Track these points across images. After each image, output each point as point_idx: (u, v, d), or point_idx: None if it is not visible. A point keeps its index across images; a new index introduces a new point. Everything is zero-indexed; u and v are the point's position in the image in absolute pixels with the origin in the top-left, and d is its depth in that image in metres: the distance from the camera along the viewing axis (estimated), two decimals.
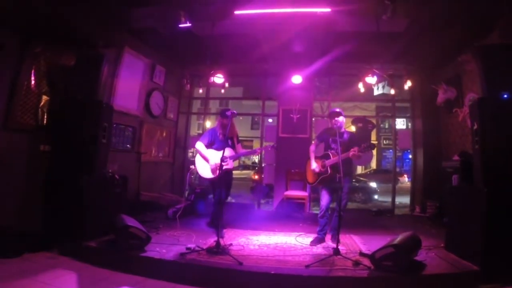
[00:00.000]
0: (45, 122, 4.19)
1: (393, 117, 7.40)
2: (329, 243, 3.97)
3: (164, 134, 6.70)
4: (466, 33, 4.37)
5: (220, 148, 4.17)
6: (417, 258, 3.26)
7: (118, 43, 5.11)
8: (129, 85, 5.42)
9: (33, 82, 4.03)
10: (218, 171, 3.80)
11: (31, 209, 3.85)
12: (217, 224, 3.78)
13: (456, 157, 4.80)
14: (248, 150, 4.81)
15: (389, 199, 7.26)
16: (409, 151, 7.39)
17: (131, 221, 3.51)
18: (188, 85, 6.92)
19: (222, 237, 3.83)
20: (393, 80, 6.28)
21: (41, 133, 4.11)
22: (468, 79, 5.07)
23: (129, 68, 5.38)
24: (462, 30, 4.32)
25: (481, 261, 3.04)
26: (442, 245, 3.76)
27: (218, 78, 6.39)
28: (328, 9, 4.27)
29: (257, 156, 5.79)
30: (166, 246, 3.60)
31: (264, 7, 4.44)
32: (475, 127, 3.40)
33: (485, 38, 4.23)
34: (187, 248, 3.48)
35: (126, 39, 5.27)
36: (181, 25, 4.57)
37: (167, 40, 5.48)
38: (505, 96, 3.32)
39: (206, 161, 4.28)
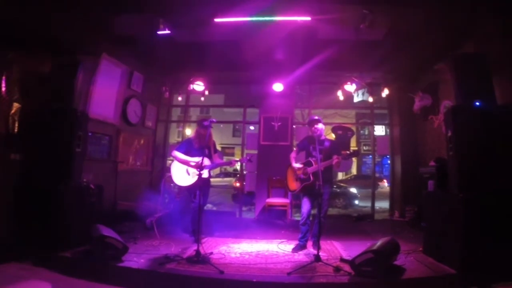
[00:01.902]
0: (16, 130, 4.03)
1: (372, 124, 7.57)
2: (310, 249, 3.97)
3: (142, 142, 6.56)
4: (442, 43, 4.54)
5: (196, 157, 4.16)
6: (397, 262, 3.31)
7: (95, 50, 5.00)
8: (105, 93, 5.30)
9: (3, 89, 3.89)
10: (199, 176, 3.74)
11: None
12: (197, 233, 3.71)
13: (432, 163, 4.92)
14: (225, 161, 4.75)
15: (369, 204, 7.36)
16: (388, 157, 7.55)
17: (107, 231, 3.44)
18: (167, 93, 6.83)
19: (202, 246, 3.75)
20: (372, 88, 6.43)
21: (11, 141, 3.95)
22: (444, 87, 5.24)
23: (106, 75, 5.26)
24: (438, 40, 4.49)
25: (458, 265, 3.11)
26: (420, 249, 3.83)
27: (198, 86, 6.34)
28: (308, 18, 4.33)
29: (238, 164, 5.78)
30: (145, 256, 3.55)
31: (244, 15, 4.45)
32: (449, 133, 3.50)
33: (461, 48, 4.41)
34: (166, 258, 3.44)
35: (104, 46, 5.17)
36: (160, 32, 4.52)
37: (146, 47, 5.40)
38: (478, 104, 3.43)
39: (186, 164, 4.22)
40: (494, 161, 3.26)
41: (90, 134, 4.76)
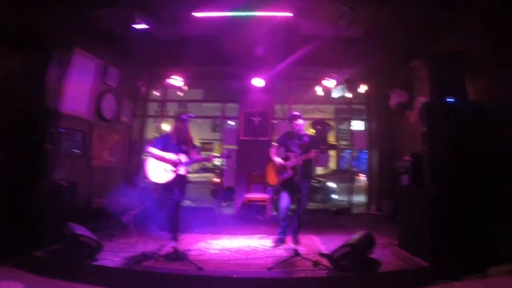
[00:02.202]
0: None
1: (350, 119, 7.69)
2: (290, 244, 3.99)
3: (118, 138, 6.36)
4: (418, 40, 4.64)
5: (174, 153, 4.04)
6: (373, 256, 3.38)
7: (68, 44, 4.78)
8: (79, 88, 5.08)
9: None
10: (173, 172, 3.66)
11: None
12: (175, 229, 3.64)
13: (407, 158, 5.04)
14: (203, 157, 4.69)
15: (347, 198, 7.50)
16: (365, 151, 7.71)
17: (80, 229, 3.38)
18: (144, 87, 6.63)
19: (180, 242, 3.68)
20: (350, 83, 6.51)
21: None
22: (419, 83, 5.35)
23: (80, 70, 5.04)
24: (415, 37, 4.58)
25: (431, 258, 3.21)
26: (396, 242, 3.93)
27: (176, 80, 6.19)
28: (289, 13, 4.30)
29: (216, 159, 5.68)
30: (121, 254, 3.49)
31: (224, 10, 4.36)
32: (424, 129, 3.59)
33: (437, 45, 4.51)
34: (143, 255, 3.39)
35: (78, 40, 4.95)
36: (137, 26, 4.36)
37: (122, 41, 5.23)
38: (451, 100, 3.54)
39: (163, 160, 4.12)
40: (466, 158, 3.38)
41: (63, 130, 4.61)
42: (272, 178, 4.20)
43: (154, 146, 4.20)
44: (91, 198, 5.16)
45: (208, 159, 4.94)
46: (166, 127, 8.43)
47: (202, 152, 4.54)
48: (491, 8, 3.59)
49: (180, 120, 4.09)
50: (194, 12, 4.36)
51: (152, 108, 7.90)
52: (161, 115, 8.09)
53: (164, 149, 4.18)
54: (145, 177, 4.28)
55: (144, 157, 7.45)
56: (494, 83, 3.60)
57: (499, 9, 3.58)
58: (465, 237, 3.24)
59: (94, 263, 3.23)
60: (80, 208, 4.54)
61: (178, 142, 4.10)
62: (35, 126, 3.74)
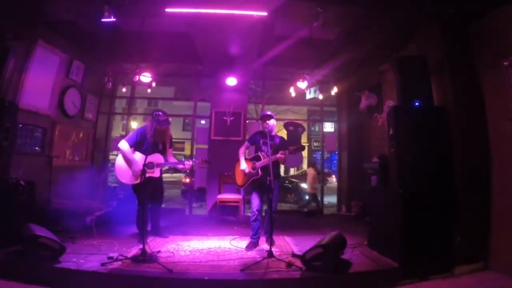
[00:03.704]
0: None
1: (322, 121, 7.82)
2: (263, 245, 3.96)
3: (81, 135, 6.03)
4: (387, 44, 4.77)
5: (149, 151, 3.85)
6: (344, 256, 3.43)
7: (30, 36, 4.48)
8: (40, 82, 4.76)
9: None
10: (140, 178, 3.46)
11: None
12: (143, 231, 3.49)
13: (375, 159, 5.20)
14: (177, 160, 4.37)
15: (319, 199, 7.62)
16: (336, 153, 7.88)
17: (40, 231, 3.22)
18: (110, 83, 6.32)
19: (148, 244, 3.54)
20: (322, 85, 6.60)
21: None
22: (387, 87, 5.54)
23: (42, 63, 4.73)
24: (384, 41, 4.70)
25: (399, 258, 3.30)
26: (365, 242, 4.02)
27: (145, 77, 5.97)
28: (264, 13, 4.27)
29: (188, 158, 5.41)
30: (85, 256, 3.32)
31: (198, 6, 4.25)
32: (391, 132, 3.70)
33: (404, 49, 4.67)
34: (109, 257, 3.25)
35: (40, 31, 4.64)
36: (104, 20, 4.12)
37: (88, 34, 4.98)
38: (417, 104, 3.67)
39: (129, 165, 3.91)
40: (431, 160, 3.51)
41: (20, 125, 4.37)
42: (239, 179, 4.15)
43: (127, 140, 4.01)
44: (51, 199, 4.83)
45: (183, 165, 4.16)
46: (134, 125, 8.12)
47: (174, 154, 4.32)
48: (453, 14, 3.77)
49: (157, 121, 3.86)
50: (167, 7, 4.20)
51: (120, 105, 7.58)
52: (128, 113, 7.78)
53: (139, 144, 3.98)
54: (115, 176, 4.07)
55: (111, 155, 7.14)
56: (456, 89, 3.78)
57: (460, 16, 3.77)
58: (432, 237, 3.37)
59: (57, 265, 3.07)
60: (40, 209, 4.27)
61: (154, 141, 3.94)
62: None
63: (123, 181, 3.99)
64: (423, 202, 3.38)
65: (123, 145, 3.96)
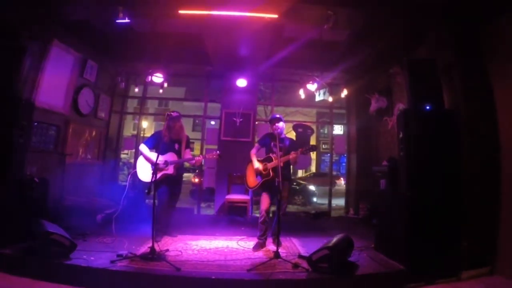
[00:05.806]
0: None
1: (331, 123, 7.80)
2: (270, 246, 3.98)
3: (94, 134, 6.15)
4: (397, 46, 4.75)
5: (164, 152, 4.01)
6: (351, 258, 3.43)
7: (46, 35, 4.59)
8: (55, 81, 4.88)
9: None
10: (153, 176, 3.57)
11: None
12: (155, 229, 3.53)
13: (384, 163, 5.15)
14: (190, 157, 4.46)
15: (327, 201, 7.59)
16: (345, 155, 7.85)
17: (52, 227, 3.27)
18: (123, 83, 6.45)
19: (157, 243, 3.60)
20: (332, 87, 6.60)
21: None
22: (397, 90, 5.50)
23: (57, 62, 4.85)
24: (394, 43, 4.68)
25: (406, 261, 3.28)
26: (372, 245, 4.00)
27: (157, 77, 6.06)
28: (275, 15, 4.30)
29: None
30: (95, 253, 3.37)
31: (211, 8, 4.31)
32: (401, 135, 3.68)
33: (414, 51, 4.64)
34: (118, 255, 3.28)
35: (56, 31, 4.76)
36: (119, 21, 4.23)
37: (102, 35, 5.07)
38: (428, 107, 3.65)
39: (148, 161, 4.06)
40: (440, 164, 3.47)
41: (35, 123, 4.45)
42: (251, 180, 4.18)
43: (145, 143, 4.18)
44: (63, 196, 4.95)
45: (194, 160, 4.31)
46: (145, 124, 8.25)
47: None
48: (464, 18, 3.73)
49: (170, 119, 4.05)
50: (180, 9, 4.27)
51: (131, 105, 7.72)
52: (140, 112, 7.91)
53: (156, 147, 4.10)
54: (135, 175, 4.19)
55: (122, 154, 7.28)
56: (467, 93, 3.74)
57: (471, 20, 3.74)
58: (439, 241, 3.33)
59: (67, 262, 3.11)
60: (52, 206, 4.33)
61: (170, 141, 4.04)
62: (5, 116, 3.51)
63: (142, 179, 4.11)
64: (431, 205, 3.35)
65: (142, 147, 4.14)
